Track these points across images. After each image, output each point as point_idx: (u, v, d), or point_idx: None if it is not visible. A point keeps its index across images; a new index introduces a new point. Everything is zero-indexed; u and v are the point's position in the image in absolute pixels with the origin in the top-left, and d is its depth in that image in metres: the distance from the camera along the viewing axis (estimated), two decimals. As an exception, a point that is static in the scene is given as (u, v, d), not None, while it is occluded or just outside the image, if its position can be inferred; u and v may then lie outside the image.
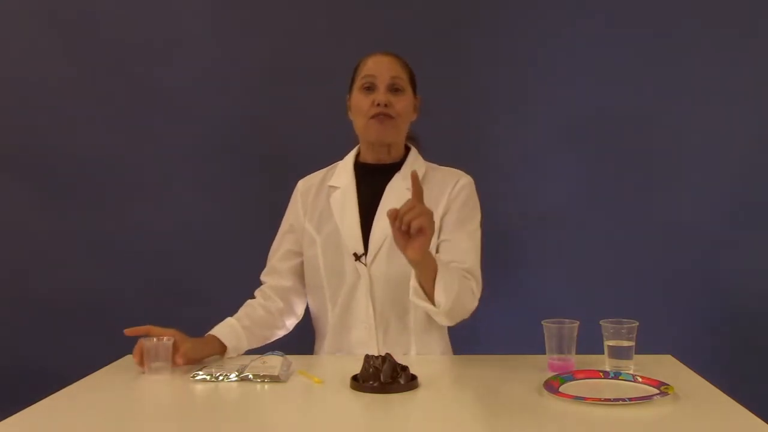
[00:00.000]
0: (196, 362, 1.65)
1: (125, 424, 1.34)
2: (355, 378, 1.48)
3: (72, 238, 2.74)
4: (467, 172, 1.93)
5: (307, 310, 1.97)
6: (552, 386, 1.42)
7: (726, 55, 2.67)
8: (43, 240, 2.75)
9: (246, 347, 1.77)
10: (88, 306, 2.73)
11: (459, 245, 1.79)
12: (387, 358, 1.46)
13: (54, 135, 2.75)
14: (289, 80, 2.70)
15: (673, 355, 1.73)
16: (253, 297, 1.94)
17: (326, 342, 1.87)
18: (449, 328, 1.91)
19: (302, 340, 1.97)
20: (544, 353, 1.61)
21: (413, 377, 1.47)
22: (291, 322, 1.93)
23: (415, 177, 1.52)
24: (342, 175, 1.89)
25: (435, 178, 1.87)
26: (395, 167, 1.86)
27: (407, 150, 1.92)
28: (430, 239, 1.53)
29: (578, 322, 1.58)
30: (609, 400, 1.31)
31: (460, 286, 1.64)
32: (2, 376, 2.67)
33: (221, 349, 1.72)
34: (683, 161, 2.70)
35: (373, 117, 1.78)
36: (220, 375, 1.56)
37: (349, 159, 1.91)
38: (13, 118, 2.76)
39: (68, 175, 2.75)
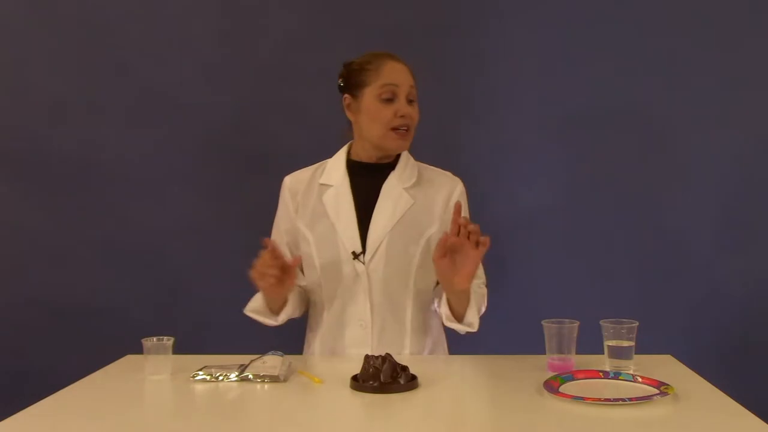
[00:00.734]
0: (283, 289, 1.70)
1: (125, 424, 1.34)
2: (355, 378, 1.48)
3: (72, 238, 2.74)
4: (457, 172, 1.93)
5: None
6: (552, 386, 1.42)
7: (722, 55, 2.67)
8: (42, 240, 2.75)
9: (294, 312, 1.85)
10: (88, 306, 2.73)
11: None
12: (387, 358, 1.46)
13: (54, 135, 2.75)
14: (288, 81, 2.70)
15: (673, 355, 1.73)
16: (250, 296, 1.93)
17: (318, 339, 1.87)
18: (446, 328, 1.92)
19: (302, 340, 1.97)
20: (544, 353, 1.61)
21: (413, 377, 1.47)
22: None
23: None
24: (334, 172, 1.87)
25: (430, 179, 1.87)
26: (389, 166, 1.86)
27: None
28: (477, 269, 1.64)
29: (578, 323, 1.58)
30: (609, 400, 1.32)
31: (484, 302, 1.80)
32: (2, 376, 2.67)
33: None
34: (681, 160, 2.70)
35: (394, 129, 1.78)
36: (220, 375, 1.56)
37: (341, 157, 1.89)
38: (12, 119, 2.76)
39: (68, 176, 2.74)
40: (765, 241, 2.69)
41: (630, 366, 1.56)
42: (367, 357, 1.48)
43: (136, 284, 2.73)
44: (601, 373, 1.51)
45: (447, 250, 1.61)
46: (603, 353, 1.59)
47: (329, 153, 1.98)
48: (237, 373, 1.55)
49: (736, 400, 1.35)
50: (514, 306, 2.59)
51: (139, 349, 1.62)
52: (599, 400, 1.32)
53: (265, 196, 1.93)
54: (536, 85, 2.70)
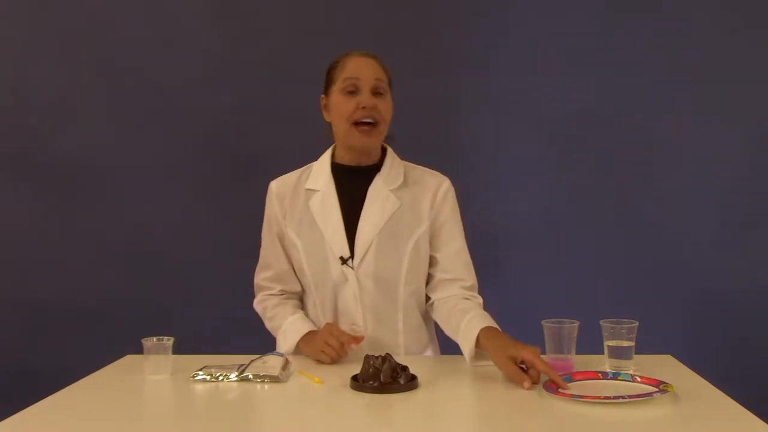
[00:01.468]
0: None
1: (125, 424, 1.34)
2: (355, 378, 1.48)
3: (72, 238, 2.75)
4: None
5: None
6: (551, 387, 1.41)
7: (721, 55, 2.68)
8: (42, 240, 2.75)
9: None
10: (88, 306, 2.73)
11: (459, 260, 1.82)
12: (387, 358, 1.46)
13: (54, 135, 2.75)
14: (287, 81, 2.70)
15: (673, 355, 1.73)
16: (249, 296, 1.93)
17: None
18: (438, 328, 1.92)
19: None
20: (544, 353, 1.61)
21: (413, 377, 1.47)
22: None
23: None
24: (319, 177, 1.84)
25: (416, 180, 1.84)
26: (374, 169, 1.83)
27: (383, 150, 1.88)
28: None
29: (578, 323, 1.57)
30: (609, 397, 1.31)
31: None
32: (2, 376, 2.67)
33: None
34: (681, 160, 2.70)
35: (356, 124, 1.74)
36: (220, 375, 1.56)
37: (326, 160, 1.86)
38: (12, 119, 2.76)
39: (68, 176, 2.75)
40: (765, 241, 2.69)
41: (630, 366, 1.56)
42: (367, 357, 1.48)
43: (136, 284, 2.73)
44: (599, 374, 1.51)
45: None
46: (603, 353, 1.59)
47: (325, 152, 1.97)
48: (237, 373, 1.55)
49: (736, 400, 1.35)
50: (514, 306, 2.59)
51: (139, 349, 1.62)
52: (599, 398, 1.31)
53: (264, 196, 1.93)
54: (536, 86, 2.70)
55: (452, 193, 1.85)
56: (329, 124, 1.84)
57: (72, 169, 2.75)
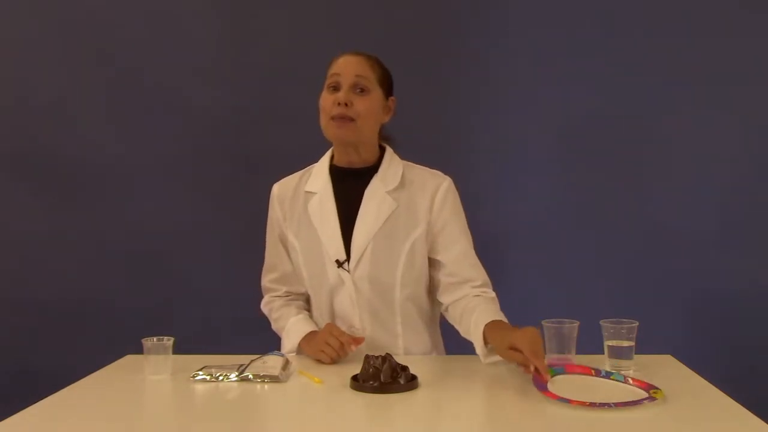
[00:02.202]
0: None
1: (125, 424, 1.34)
2: (355, 378, 1.48)
3: (71, 238, 2.75)
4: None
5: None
6: (540, 382, 1.40)
7: (720, 55, 2.68)
8: (42, 240, 2.75)
9: None
10: (88, 306, 2.73)
11: (465, 261, 1.80)
12: (387, 358, 1.46)
13: (54, 135, 2.75)
14: (288, 81, 2.70)
15: (673, 355, 1.73)
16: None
17: None
18: (445, 328, 1.92)
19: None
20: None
21: (413, 377, 1.47)
22: None
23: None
24: (317, 179, 1.84)
25: (413, 180, 1.83)
26: (371, 171, 1.82)
27: (382, 151, 1.87)
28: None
29: (578, 323, 1.57)
30: (594, 404, 1.31)
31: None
32: (2, 376, 2.67)
33: None
34: (681, 160, 2.70)
35: (333, 118, 1.74)
36: (220, 375, 1.56)
37: (324, 162, 1.87)
38: (12, 119, 2.76)
39: (68, 176, 2.75)
40: (765, 240, 2.69)
41: (630, 366, 1.56)
42: (367, 357, 1.48)
43: (136, 284, 2.73)
44: (593, 371, 1.51)
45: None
46: (603, 353, 1.59)
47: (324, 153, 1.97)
48: (237, 373, 1.55)
49: (736, 400, 1.35)
50: (514, 306, 2.58)
51: (139, 349, 1.62)
52: (584, 404, 1.31)
53: (264, 196, 1.93)
54: (537, 87, 2.70)
55: (453, 194, 1.83)
56: None
57: (72, 169, 2.75)
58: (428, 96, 2.63)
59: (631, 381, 1.45)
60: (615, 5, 2.69)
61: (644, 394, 1.37)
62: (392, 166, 1.83)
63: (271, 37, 2.73)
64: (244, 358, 1.64)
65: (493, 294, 1.80)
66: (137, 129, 2.74)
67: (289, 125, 2.68)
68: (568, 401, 1.32)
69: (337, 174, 1.84)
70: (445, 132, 2.70)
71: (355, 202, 1.79)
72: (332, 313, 1.80)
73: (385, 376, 1.44)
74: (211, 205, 2.74)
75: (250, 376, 1.54)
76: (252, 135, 2.73)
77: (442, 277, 1.80)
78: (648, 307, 2.63)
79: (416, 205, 1.79)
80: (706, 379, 1.52)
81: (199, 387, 1.53)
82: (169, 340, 1.61)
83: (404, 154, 1.90)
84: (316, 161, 1.91)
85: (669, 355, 1.72)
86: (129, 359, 1.76)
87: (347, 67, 1.76)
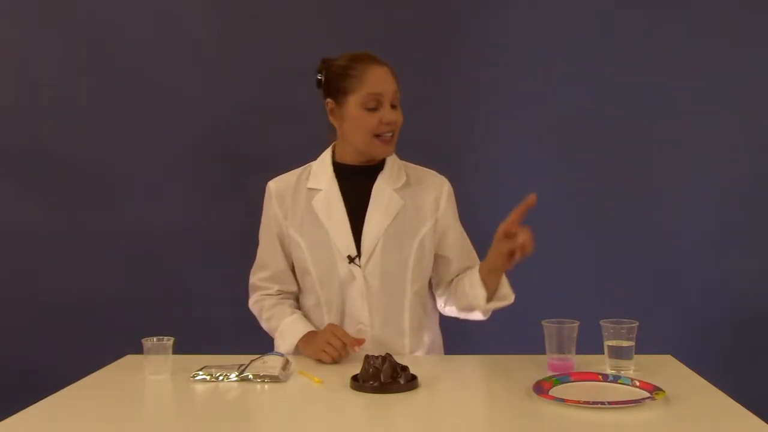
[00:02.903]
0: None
1: (125, 424, 1.34)
2: (355, 378, 1.48)
3: (72, 238, 2.75)
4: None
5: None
6: (541, 387, 1.41)
7: (717, 56, 2.68)
8: (42, 240, 2.75)
9: None
10: (88, 306, 2.73)
11: (469, 253, 1.89)
12: (387, 358, 1.46)
13: (54, 135, 2.75)
14: (288, 81, 2.69)
15: (673, 355, 1.73)
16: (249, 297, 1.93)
17: None
18: (444, 328, 1.93)
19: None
20: (544, 353, 1.60)
21: (413, 377, 1.47)
22: None
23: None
24: (321, 176, 1.85)
25: (418, 179, 1.87)
26: (376, 168, 1.84)
27: None
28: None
29: (578, 323, 1.57)
30: (588, 402, 1.31)
31: None
32: (2, 376, 2.67)
33: None
34: (681, 160, 2.70)
35: (377, 136, 1.76)
36: (220, 375, 1.56)
37: (326, 160, 1.87)
38: (12, 119, 2.76)
39: (68, 176, 2.75)
40: (765, 240, 2.69)
41: (630, 366, 1.56)
42: (367, 357, 1.48)
43: (136, 284, 2.74)
44: (600, 376, 1.50)
45: (508, 234, 1.64)
46: (603, 353, 1.59)
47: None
48: (237, 373, 1.55)
49: (736, 400, 1.35)
50: (514, 306, 2.59)
51: (139, 349, 1.62)
52: (578, 402, 1.31)
53: (264, 196, 1.93)
54: (536, 87, 2.70)
55: (453, 194, 1.90)
56: (332, 125, 1.85)
57: (72, 169, 2.75)
58: (428, 96, 2.62)
59: (638, 384, 1.44)
60: (615, 6, 2.69)
61: (645, 395, 1.37)
62: (396, 165, 1.87)
63: (271, 37, 2.73)
64: (244, 358, 1.64)
65: None
66: (137, 129, 2.74)
67: (289, 125, 2.68)
68: (563, 401, 1.32)
69: (342, 171, 1.85)
70: (445, 132, 2.71)
71: (362, 199, 1.81)
72: (342, 309, 1.80)
73: (385, 376, 1.44)
74: (211, 205, 2.74)
75: (250, 376, 1.54)
76: (252, 135, 2.73)
77: (448, 272, 1.86)
78: (648, 307, 2.63)
79: (422, 203, 1.84)
80: (706, 379, 1.52)
81: (199, 387, 1.53)
82: (169, 340, 1.61)
83: (405, 155, 1.91)
84: (315, 160, 1.92)
85: (669, 355, 1.72)
86: (129, 359, 1.76)
87: (388, 85, 1.77)
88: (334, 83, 1.80)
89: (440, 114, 2.68)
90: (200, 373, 1.58)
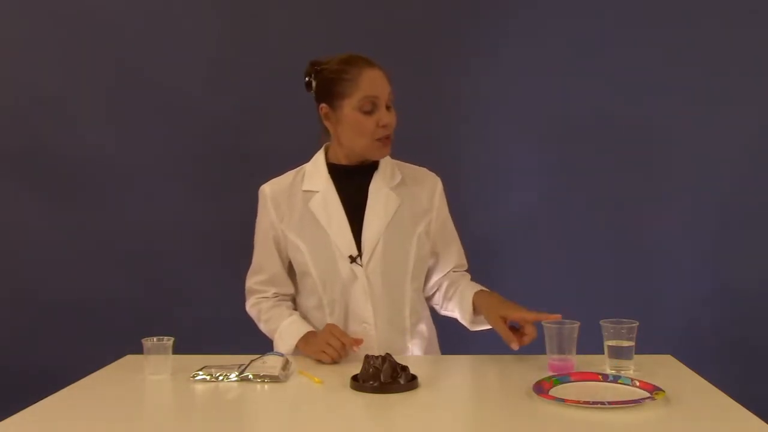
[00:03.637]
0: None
1: (125, 424, 1.34)
2: (355, 378, 1.48)
3: (72, 237, 2.75)
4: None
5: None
6: (542, 387, 1.41)
7: (714, 57, 2.68)
8: (42, 240, 2.75)
9: None
10: (88, 306, 2.73)
11: (458, 252, 1.94)
12: (387, 358, 1.46)
13: (53, 135, 2.75)
14: (288, 81, 2.68)
15: (673, 355, 1.72)
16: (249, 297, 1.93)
17: None
18: (444, 328, 1.95)
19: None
20: (544, 353, 1.60)
21: (413, 377, 1.47)
22: None
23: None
24: (316, 178, 1.85)
25: (412, 177, 1.89)
26: (369, 168, 1.85)
27: None
28: None
29: (579, 323, 1.57)
30: (588, 403, 1.31)
31: None
32: (2, 376, 2.67)
33: None
34: (680, 160, 2.70)
35: (379, 140, 1.77)
36: (220, 375, 1.56)
37: (320, 161, 1.87)
38: (12, 119, 2.76)
39: (68, 175, 2.75)
40: (765, 240, 2.69)
41: (630, 366, 1.56)
42: (367, 357, 1.48)
43: (136, 284, 2.73)
44: (600, 376, 1.50)
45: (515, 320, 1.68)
46: (603, 353, 1.59)
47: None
48: (237, 373, 1.55)
49: (736, 400, 1.35)
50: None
51: (139, 349, 1.62)
52: (578, 402, 1.31)
53: (258, 199, 1.93)
54: (534, 88, 2.71)
55: (443, 191, 1.93)
56: (325, 128, 1.85)
57: (72, 169, 2.75)
58: (428, 96, 2.63)
59: (638, 384, 1.43)
60: (615, 6, 2.68)
61: (645, 395, 1.37)
62: (389, 164, 1.88)
63: (271, 37, 2.73)
64: (244, 358, 1.64)
65: (468, 275, 1.94)
66: (137, 129, 2.74)
67: (289, 125, 2.67)
68: (563, 401, 1.32)
69: (336, 172, 1.85)
70: (446, 132, 2.71)
71: (359, 199, 1.82)
72: (346, 309, 1.81)
73: (385, 376, 1.44)
74: (211, 205, 2.74)
75: (250, 376, 1.54)
76: (252, 135, 2.73)
77: (438, 267, 1.91)
78: (648, 307, 2.63)
79: (418, 200, 1.86)
80: (706, 379, 1.52)
81: (199, 387, 1.53)
82: (169, 340, 1.61)
83: (402, 155, 1.91)
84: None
85: (669, 355, 1.72)
86: (129, 359, 1.76)
87: (383, 87, 1.77)
88: (328, 87, 1.79)
89: (440, 114, 2.68)
90: (200, 373, 1.58)
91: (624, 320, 1.57)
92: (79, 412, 1.40)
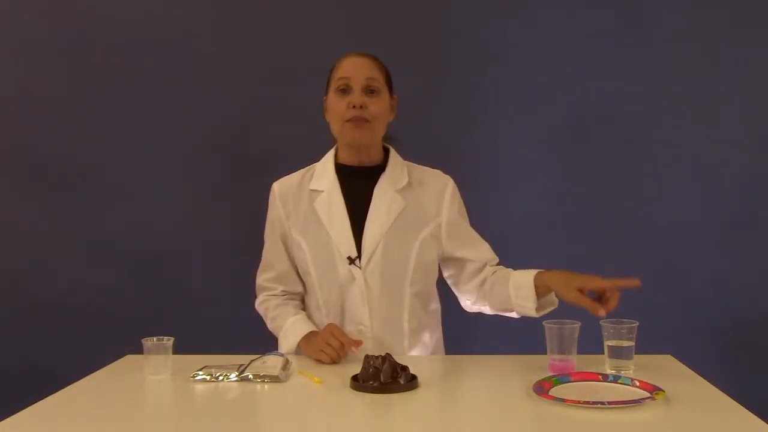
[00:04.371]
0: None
1: (125, 424, 1.34)
2: (355, 378, 1.48)
3: (72, 238, 2.75)
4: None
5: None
6: (542, 387, 1.41)
7: (713, 57, 2.67)
8: (42, 240, 2.75)
9: None
10: (88, 306, 2.73)
11: (482, 247, 1.88)
12: (387, 358, 1.46)
13: (53, 135, 2.75)
14: (289, 81, 2.70)
15: (673, 355, 1.73)
16: (250, 296, 1.93)
17: None
18: (443, 328, 1.93)
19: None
20: (545, 353, 1.60)
21: (413, 377, 1.47)
22: None
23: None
24: (323, 178, 1.86)
25: (420, 180, 1.87)
26: (378, 169, 1.85)
27: (386, 150, 1.90)
28: None
29: (579, 323, 1.57)
30: (588, 403, 1.31)
31: None
32: (3, 376, 2.68)
33: None
34: (680, 160, 2.70)
35: (349, 120, 1.76)
36: (220, 375, 1.56)
37: (329, 161, 1.88)
38: (12, 119, 2.76)
39: (67, 176, 2.75)
40: (765, 240, 2.69)
41: (630, 366, 1.56)
42: (367, 357, 1.48)
43: (136, 284, 2.73)
44: (600, 376, 1.50)
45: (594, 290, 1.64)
46: (603, 353, 1.59)
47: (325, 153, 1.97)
48: (237, 373, 1.55)
49: (736, 400, 1.35)
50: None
51: (139, 349, 1.62)
52: (578, 402, 1.31)
53: (264, 196, 1.94)
54: (535, 88, 2.70)
55: (457, 192, 1.89)
56: (329, 125, 1.86)
57: (72, 169, 2.75)
58: (428, 96, 2.62)
59: (638, 384, 1.44)
60: (614, 6, 2.68)
61: (645, 395, 1.37)
62: (398, 166, 1.87)
63: (271, 37, 2.73)
64: (244, 358, 1.64)
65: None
66: (138, 129, 2.74)
67: (289, 125, 2.68)
68: (563, 401, 1.32)
69: (343, 172, 1.85)
70: (447, 132, 2.70)
71: (364, 200, 1.82)
72: (342, 310, 1.81)
73: (385, 376, 1.44)
74: (212, 205, 2.74)
75: (250, 376, 1.54)
76: (251, 135, 2.73)
77: (466, 271, 1.85)
78: (648, 307, 2.63)
79: (424, 204, 1.84)
80: (706, 379, 1.52)
81: (199, 387, 1.53)
82: (169, 340, 1.61)
83: (405, 155, 1.91)
84: (317, 161, 1.92)
85: (669, 355, 1.73)
86: (129, 359, 1.76)
87: (358, 69, 1.78)
88: (327, 81, 1.85)
89: (440, 114, 2.68)
90: (200, 373, 1.58)
91: (624, 320, 1.57)
92: (79, 412, 1.40)
